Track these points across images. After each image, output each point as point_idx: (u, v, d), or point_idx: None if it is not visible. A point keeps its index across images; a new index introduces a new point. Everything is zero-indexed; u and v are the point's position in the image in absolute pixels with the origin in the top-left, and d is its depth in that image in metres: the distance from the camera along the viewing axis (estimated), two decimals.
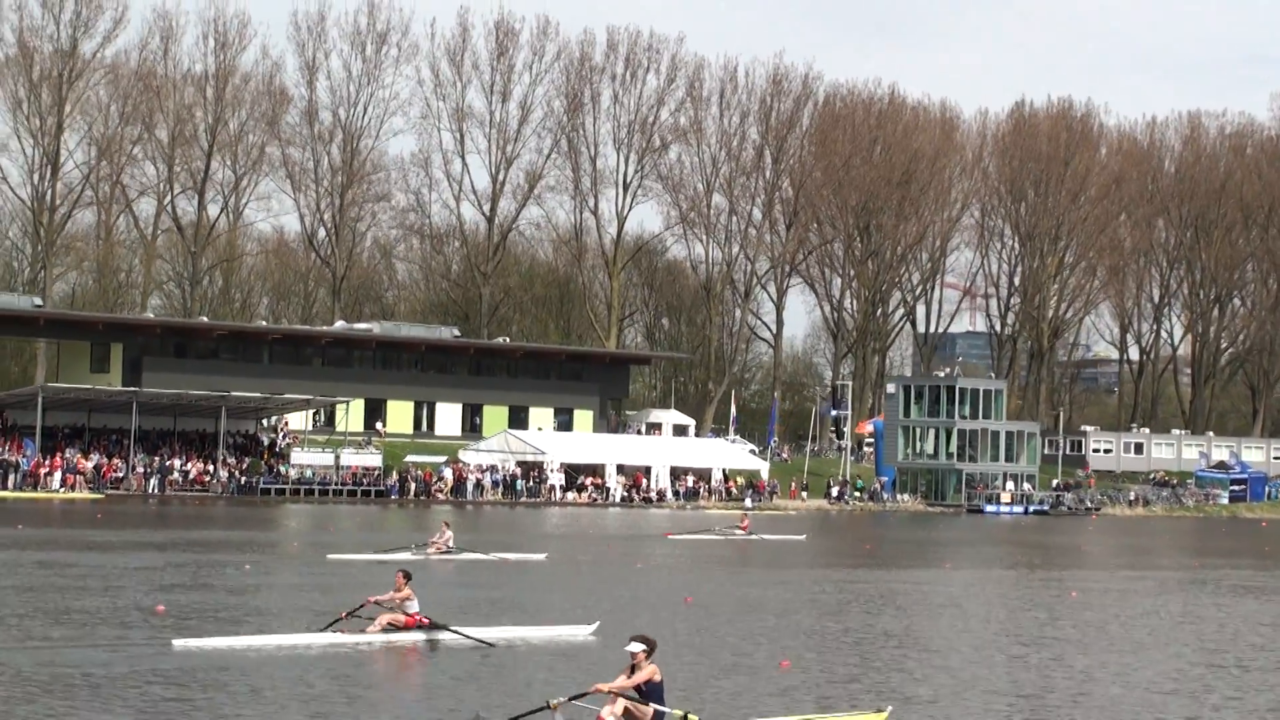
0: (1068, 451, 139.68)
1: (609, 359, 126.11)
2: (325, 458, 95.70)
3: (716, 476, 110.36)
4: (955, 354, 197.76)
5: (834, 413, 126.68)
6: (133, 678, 22.87)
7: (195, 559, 45.08)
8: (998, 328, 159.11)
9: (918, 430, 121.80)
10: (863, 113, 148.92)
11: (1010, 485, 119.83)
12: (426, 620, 28.23)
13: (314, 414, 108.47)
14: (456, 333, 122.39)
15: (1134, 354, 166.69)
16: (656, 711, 18.99)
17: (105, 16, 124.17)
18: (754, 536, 67.09)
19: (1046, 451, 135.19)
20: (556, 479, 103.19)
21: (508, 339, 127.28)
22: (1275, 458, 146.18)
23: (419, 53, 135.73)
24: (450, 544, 48.88)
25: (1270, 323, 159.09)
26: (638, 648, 19.22)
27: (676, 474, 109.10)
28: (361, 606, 28.26)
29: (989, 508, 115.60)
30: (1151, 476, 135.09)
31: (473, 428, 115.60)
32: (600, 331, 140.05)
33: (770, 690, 23.72)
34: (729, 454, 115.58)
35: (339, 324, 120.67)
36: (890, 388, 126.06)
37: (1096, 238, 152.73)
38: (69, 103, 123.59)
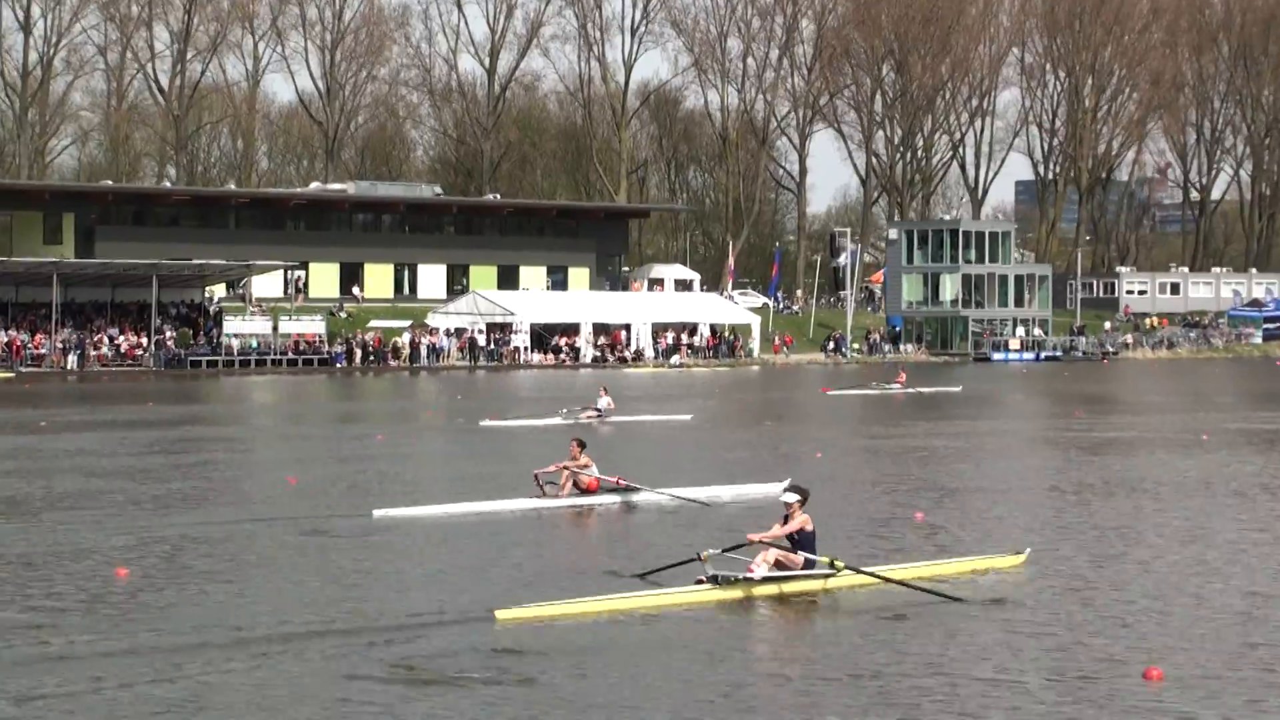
0: (1101, 294, 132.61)
1: (604, 214, 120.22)
2: (263, 326, 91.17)
3: (703, 332, 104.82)
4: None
5: (835, 261, 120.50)
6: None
7: None
8: (1041, 171, 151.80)
9: (921, 277, 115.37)
10: None
11: (1020, 331, 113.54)
12: (621, 481, 27.87)
13: (290, 281, 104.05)
14: (439, 190, 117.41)
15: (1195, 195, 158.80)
16: (806, 559, 19.15)
17: None
18: (910, 390, 67.06)
19: (1084, 296, 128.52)
20: (521, 340, 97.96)
21: (498, 195, 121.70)
22: None
23: None
24: (601, 408, 48.56)
25: None
26: (792, 497, 19.47)
27: (659, 331, 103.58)
28: (549, 471, 27.84)
29: (996, 355, 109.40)
30: (1144, 319, 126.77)
31: (461, 289, 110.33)
32: (610, 185, 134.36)
33: (911, 538, 23.85)
34: (717, 309, 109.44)
35: (313, 185, 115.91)
36: (892, 233, 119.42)
37: (1135, 71, 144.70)
38: None
